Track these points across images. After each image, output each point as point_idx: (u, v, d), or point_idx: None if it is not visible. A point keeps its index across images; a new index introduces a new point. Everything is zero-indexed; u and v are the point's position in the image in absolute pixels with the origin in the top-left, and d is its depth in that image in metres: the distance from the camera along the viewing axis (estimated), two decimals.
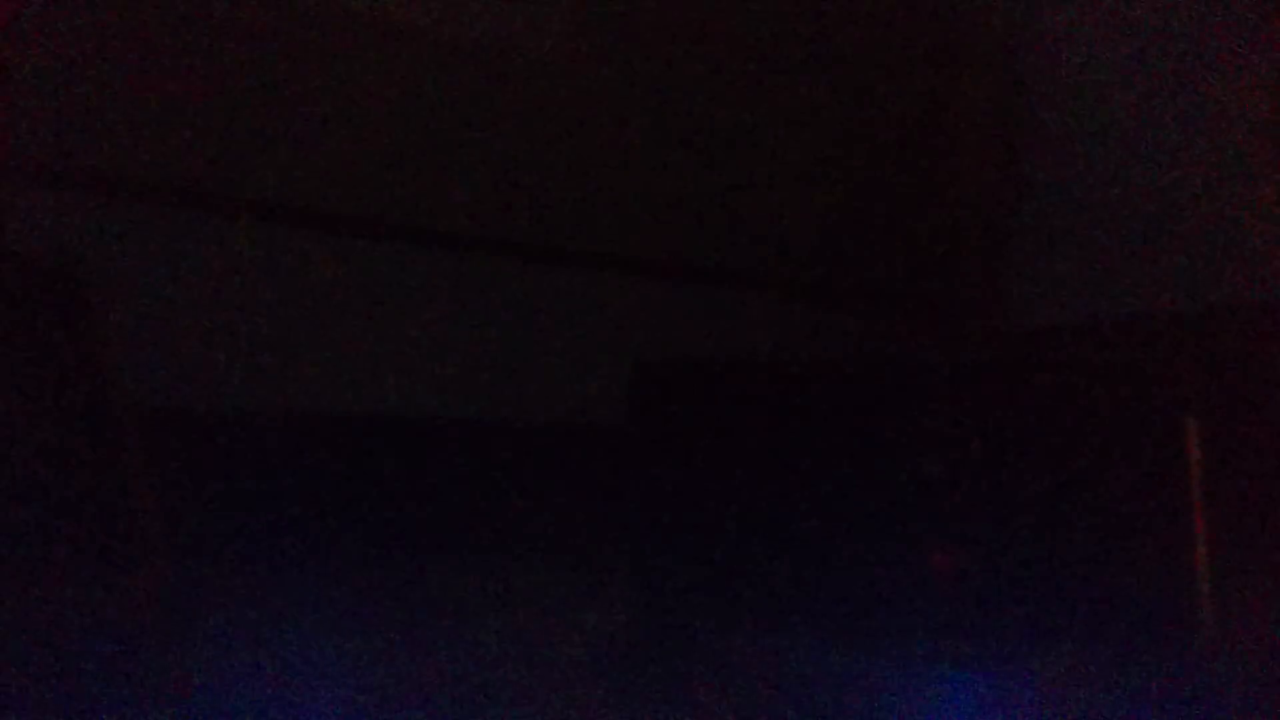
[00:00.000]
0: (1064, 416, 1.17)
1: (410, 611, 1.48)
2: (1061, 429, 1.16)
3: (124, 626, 1.03)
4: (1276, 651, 1.22)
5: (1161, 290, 1.58)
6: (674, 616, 1.24)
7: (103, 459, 1.05)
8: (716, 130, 2.18)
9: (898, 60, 2.10)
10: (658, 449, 1.27)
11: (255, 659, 1.19)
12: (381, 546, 1.66)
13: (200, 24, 1.65)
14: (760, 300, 2.24)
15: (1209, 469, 1.16)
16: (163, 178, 1.61)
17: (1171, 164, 1.56)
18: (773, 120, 2.23)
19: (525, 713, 1.20)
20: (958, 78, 1.74)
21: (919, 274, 1.84)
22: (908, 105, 2.01)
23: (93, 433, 1.05)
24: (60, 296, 1.06)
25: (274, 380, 1.66)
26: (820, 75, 2.20)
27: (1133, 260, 1.60)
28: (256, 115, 1.69)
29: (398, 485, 1.72)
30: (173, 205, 1.62)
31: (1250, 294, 1.57)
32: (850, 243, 2.21)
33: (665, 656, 1.22)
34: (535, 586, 1.61)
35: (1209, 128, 1.56)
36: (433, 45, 1.87)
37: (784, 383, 1.23)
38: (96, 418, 1.05)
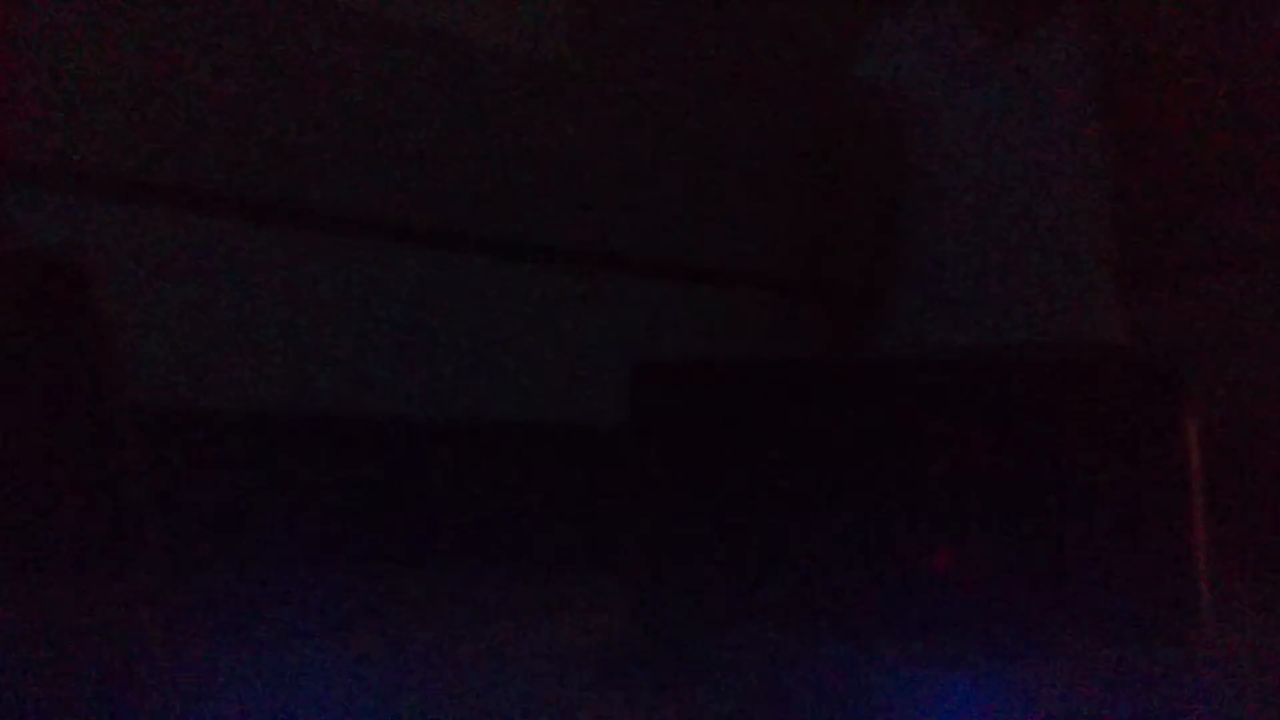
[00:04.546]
0: (1064, 416, 1.17)
1: (410, 612, 1.48)
2: (1061, 429, 1.16)
3: (122, 627, 1.03)
4: (1276, 651, 1.22)
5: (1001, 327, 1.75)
6: (674, 617, 1.24)
7: (102, 459, 1.05)
8: (717, 132, 2.18)
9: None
10: (657, 449, 1.27)
11: (255, 659, 1.19)
12: (380, 546, 1.66)
13: (200, 25, 1.65)
14: (760, 300, 2.24)
15: (1209, 469, 1.16)
16: (163, 178, 1.61)
17: (1021, 213, 1.77)
18: (773, 123, 2.23)
19: (526, 713, 1.20)
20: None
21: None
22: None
23: (92, 432, 1.05)
24: (61, 295, 1.06)
25: (274, 380, 1.66)
26: (811, 81, 2.20)
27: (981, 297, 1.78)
28: (257, 115, 1.69)
29: (397, 485, 1.72)
30: (173, 205, 1.62)
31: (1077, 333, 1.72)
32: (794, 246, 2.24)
33: (665, 657, 1.22)
34: (534, 587, 1.61)
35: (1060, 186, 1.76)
36: (432, 45, 1.87)
37: (784, 383, 1.23)
38: (96, 417, 1.05)
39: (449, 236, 1.86)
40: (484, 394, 1.85)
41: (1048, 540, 1.13)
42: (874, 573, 1.13)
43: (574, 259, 1.99)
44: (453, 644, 1.34)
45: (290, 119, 1.71)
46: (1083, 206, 1.79)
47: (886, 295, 1.81)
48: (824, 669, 1.11)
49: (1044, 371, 1.26)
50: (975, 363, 1.59)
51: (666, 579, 1.24)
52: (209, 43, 1.64)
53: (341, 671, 1.21)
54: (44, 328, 1.05)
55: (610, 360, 1.42)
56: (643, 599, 1.26)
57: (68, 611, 1.00)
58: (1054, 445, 1.15)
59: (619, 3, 2.07)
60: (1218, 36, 2.08)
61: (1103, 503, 1.14)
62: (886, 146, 1.86)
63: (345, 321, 1.73)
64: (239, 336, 1.63)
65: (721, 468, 1.22)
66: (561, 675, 1.26)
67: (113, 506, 1.05)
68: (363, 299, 1.75)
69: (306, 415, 1.67)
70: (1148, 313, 1.87)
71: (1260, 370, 2.00)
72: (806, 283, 2.18)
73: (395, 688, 1.22)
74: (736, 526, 1.20)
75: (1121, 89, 1.79)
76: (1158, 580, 1.13)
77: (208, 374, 1.59)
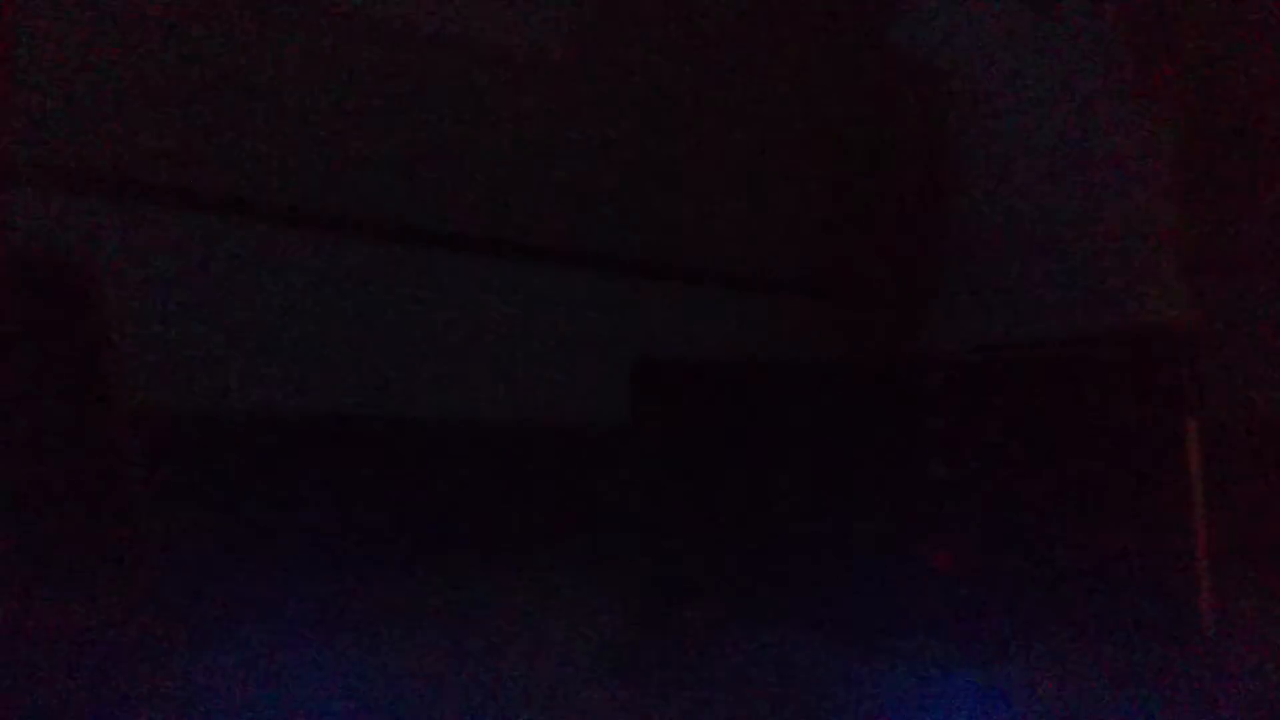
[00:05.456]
0: (1064, 417, 1.17)
1: (411, 611, 1.48)
2: (1062, 429, 1.16)
3: (123, 626, 1.03)
4: (1277, 651, 1.22)
5: (1064, 315, 1.68)
6: (674, 616, 1.24)
7: (102, 459, 1.05)
8: (716, 132, 2.18)
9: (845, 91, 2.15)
10: (658, 448, 1.27)
11: (255, 659, 1.19)
12: (382, 546, 1.66)
13: (201, 25, 1.65)
14: (760, 300, 2.24)
15: (1209, 469, 1.16)
16: (163, 178, 1.61)
17: (1079, 195, 1.68)
18: (772, 123, 2.23)
19: (527, 713, 1.20)
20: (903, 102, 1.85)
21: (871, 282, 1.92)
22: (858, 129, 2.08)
23: (93, 433, 1.05)
24: (61, 295, 1.06)
25: (274, 380, 1.66)
26: (819, 80, 2.20)
27: (1043, 287, 1.70)
28: (256, 115, 1.69)
29: (398, 485, 1.72)
30: (173, 205, 1.62)
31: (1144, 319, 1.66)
32: (841, 244, 2.22)
33: (665, 656, 1.22)
34: (536, 586, 1.61)
35: (1117, 163, 1.68)
36: (433, 46, 1.87)
37: (784, 382, 1.23)
38: (97, 417, 1.05)
39: (449, 236, 1.86)
40: (484, 394, 1.85)
41: (1048, 540, 1.13)
42: (874, 573, 1.13)
43: (574, 259, 1.99)
44: (453, 643, 1.34)
45: (290, 119, 1.71)
46: (1141, 184, 1.69)
47: (933, 289, 1.72)
48: (823, 669, 1.11)
49: (1044, 372, 1.26)
50: (975, 363, 1.58)
51: (666, 579, 1.24)
52: (209, 44, 1.64)
53: (341, 671, 1.21)
54: (44, 328, 1.05)
55: (610, 360, 1.42)
56: (643, 599, 1.26)
57: (68, 611, 1.00)
58: (1054, 445, 1.15)
59: (620, 5, 2.06)
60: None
61: (1103, 502, 1.14)
62: (926, 127, 1.77)
63: (345, 321, 1.73)
64: (239, 336, 1.63)
65: (721, 467, 1.22)
66: (561, 675, 1.26)
67: (113, 507, 1.05)
68: (362, 299, 1.75)
69: (306, 415, 1.67)
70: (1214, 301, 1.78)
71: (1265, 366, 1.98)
72: (831, 283, 2.16)
73: (395, 687, 1.22)
74: (736, 526, 1.20)
75: (1165, 57, 1.70)
76: (1158, 580, 1.13)
77: (208, 374, 1.59)
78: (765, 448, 1.21)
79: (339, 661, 1.24)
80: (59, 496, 1.03)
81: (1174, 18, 1.72)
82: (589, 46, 2.04)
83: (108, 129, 1.56)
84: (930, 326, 1.76)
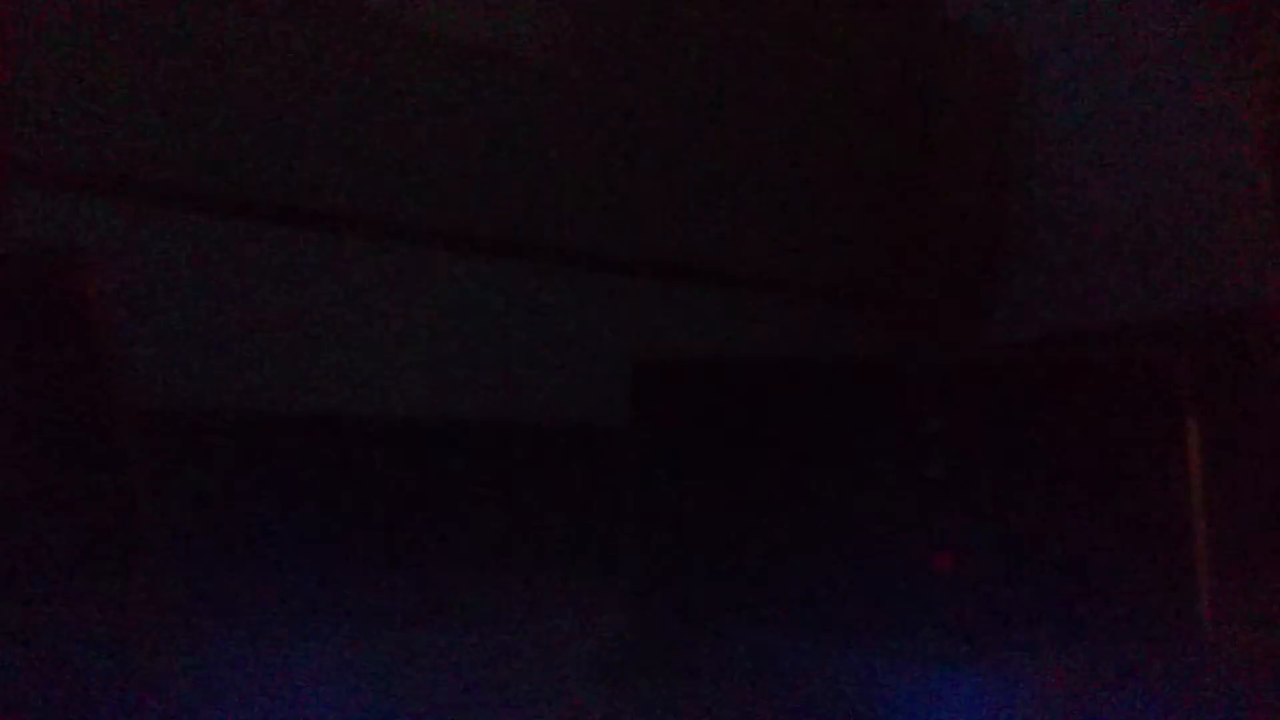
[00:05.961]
0: (1064, 416, 1.17)
1: (410, 612, 1.48)
2: (1062, 429, 1.16)
3: (123, 628, 1.03)
4: (1277, 651, 1.22)
5: (1149, 298, 1.61)
6: (674, 617, 1.24)
7: (103, 459, 1.05)
8: (715, 132, 2.18)
9: (890, 67, 2.11)
10: (657, 449, 1.27)
11: (255, 660, 1.19)
12: (380, 547, 1.66)
13: (201, 23, 1.65)
14: (760, 300, 2.24)
15: (1209, 469, 1.16)
16: (163, 178, 1.61)
17: (1156, 171, 1.60)
18: (771, 122, 2.23)
19: (525, 714, 1.20)
20: (947, 83, 1.78)
21: (909, 277, 1.87)
22: (900, 112, 2.04)
23: (93, 433, 1.05)
24: (61, 295, 1.06)
25: (274, 380, 1.66)
26: (818, 79, 2.20)
27: (1119, 268, 1.63)
28: (257, 115, 1.69)
29: (397, 486, 1.72)
30: (173, 205, 1.62)
31: (1237, 298, 1.59)
32: (848, 245, 2.21)
33: (665, 657, 1.22)
34: (534, 588, 1.61)
35: (1196, 134, 1.61)
36: (433, 45, 1.87)
37: (784, 383, 1.23)
38: (96, 417, 1.05)
39: (449, 236, 1.86)
40: (484, 394, 1.85)
41: (1048, 540, 1.13)
42: (874, 573, 1.13)
43: (574, 259, 1.99)
44: (452, 644, 1.34)
45: (290, 119, 1.71)
46: (1233, 157, 1.60)
47: (993, 284, 1.64)
48: (824, 669, 1.11)
49: (1043, 370, 1.26)
50: (974, 362, 1.58)
51: (666, 579, 1.24)
52: (209, 43, 1.64)
53: (341, 671, 1.21)
54: (44, 328, 1.05)
55: (610, 360, 1.42)
56: (643, 599, 1.26)
57: (68, 611, 1.00)
58: (1054, 444, 1.15)
59: (619, 4, 2.06)
60: None
61: (1103, 502, 1.14)
62: (989, 111, 1.68)
63: (345, 321, 1.73)
64: (239, 336, 1.63)
65: (721, 468, 1.22)
66: (561, 675, 1.26)
67: (113, 506, 1.05)
68: (363, 299, 1.75)
69: (306, 415, 1.67)
70: None
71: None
72: (858, 285, 2.13)
73: (395, 688, 1.22)
74: (736, 526, 1.20)
75: (1259, 19, 1.60)
76: (1158, 580, 1.13)
77: (208, 374, 1.59)
78: (764, 447, 1.21)
79: (336, 662, 1.24)
80: (59, 496, 1.03)
81: None
82: (589, 47, 2.04)
83: (108, 129, 1.56)
84: (992, 320, 1.70)
